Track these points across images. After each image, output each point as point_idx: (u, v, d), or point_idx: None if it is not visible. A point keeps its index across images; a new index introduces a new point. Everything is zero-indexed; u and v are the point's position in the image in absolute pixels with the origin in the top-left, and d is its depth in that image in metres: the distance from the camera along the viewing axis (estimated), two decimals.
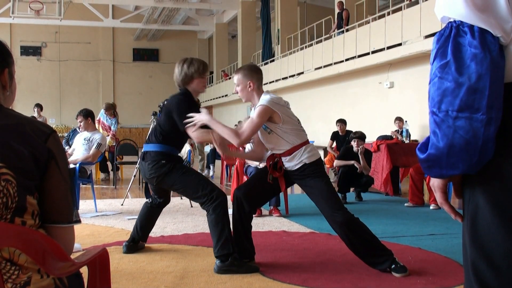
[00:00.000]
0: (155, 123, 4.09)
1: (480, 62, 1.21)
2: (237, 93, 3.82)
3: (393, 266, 3.61)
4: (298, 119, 3.84)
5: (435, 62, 1.28)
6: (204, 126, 3.74)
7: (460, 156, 1.24)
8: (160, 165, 3.85)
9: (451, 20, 1.27)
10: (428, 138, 1.31)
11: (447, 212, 1.40)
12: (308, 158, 3.71)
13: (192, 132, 3.75)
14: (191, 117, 3.72)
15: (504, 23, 1.21)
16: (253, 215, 6.14)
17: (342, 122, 10.85)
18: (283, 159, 3.78)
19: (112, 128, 10.57)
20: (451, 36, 1.25)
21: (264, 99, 3.66)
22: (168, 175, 3.85)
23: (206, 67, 4.04)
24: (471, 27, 1.23)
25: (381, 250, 3.67)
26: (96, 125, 9.35)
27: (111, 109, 10.70)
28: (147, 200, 4.41)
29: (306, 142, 3.78)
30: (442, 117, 1.24)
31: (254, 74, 3.77)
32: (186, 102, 3.86)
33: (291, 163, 3.76)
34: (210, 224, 3.77)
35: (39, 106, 12.98)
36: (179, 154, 4.09)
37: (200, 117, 3.70)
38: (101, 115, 10.72)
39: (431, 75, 1.29)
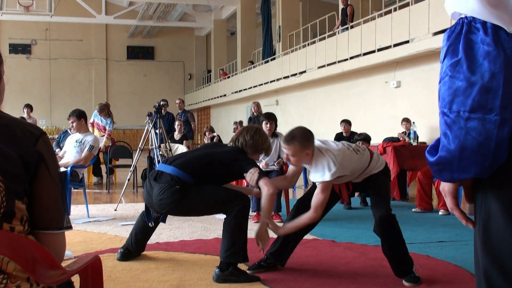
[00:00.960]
0: (194, 153, 4.11)
1: (493, 60, 1.20)
2: (289, 161, 3.76)
3: (406, 275, 3.62)
4: (354, 149, 3.79)
5: (446, 60, 1.27)
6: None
7: (473, 159, 1.24)
8: (174, 190, 3.71)
9: (462, 16, 1.26)
10: (437, 140, 1.31)
11: (458, 218, 1.40)
12: (375, 169, 3.84)
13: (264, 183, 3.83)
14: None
15: None
16: (253, 221, 6.15)
17: (346, 122, 10.84)
18: (355, 180, 3.93)
19: (107, 127, 10.58)
20: (463, 32, 1.25)
21: (327, 168, 3.58)
22: (182, 202, 3.74)
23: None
24: (484, 23, 1.22)
25: (406, 257, 3.73)
26: (90, 128, 9.38)
27: (105, 110, 10.73)
28: (148, 221, 4.22)
29: (369, 160, 3.82)
30: (454, 118, 1.24)
31: (310, 141, 3.64)
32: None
33: (358, 180, 3.91)
34: (227, 226, 3.75)
35: (29, 107, 12.98)
36: None
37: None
38: (94, 117, 10.73)
39: (441, 74, 1.29)
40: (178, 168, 3.80)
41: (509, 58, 1.20)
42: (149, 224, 4.21)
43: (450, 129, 1.25)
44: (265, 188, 3.73)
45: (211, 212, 4.00)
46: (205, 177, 3.84)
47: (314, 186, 3.91)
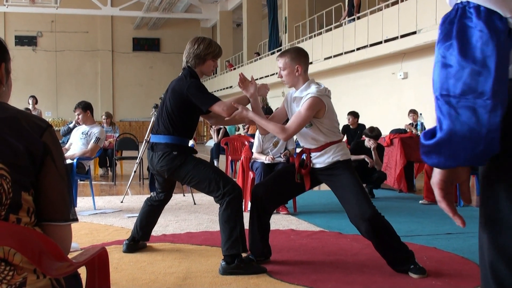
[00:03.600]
0: (158, 112, 4.06)
1: (486, 43, 1.18)
2: (281, 77, 3.82)
3: (411, 266, 3.60)
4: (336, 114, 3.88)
5: (439, 44, 1.26)
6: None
7: (462, 145, 1.21)
8: (172, 157, 3.83)
9: (458, 1, 1.25)
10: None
11: (445, 210, 1.36)
12: (341, 155, 3.76)
13: (220, 108, 3.78)
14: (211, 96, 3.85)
15: None
16: None
17: (353, 114, 10.80)
18: (313, 154, 3.81)
19: (115, 135, 11.01)
20: (457, 17, 1.24)
21: (314, 89, 3.68)
22: (181, 168, 3.84)
23: (221, 52, 4.12)
24: (478, 7, 1.21)
25: (404, 250, 3.67)
26: None
27: (109, 118, 11.41)
28: (151, 194, 4.39)
29: (340, 139, 3.84)
30: (444, 102, 1.22)
31: (302, 57, 3.78)
32: (201, 84, 3.90)
33: (320, 159, 3.78)
34: (221, 219, 3.75)
35: (34, 98, 13.05)
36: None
37: (243, 113, 3.76)
38: None
39: (435, 58, 1.27)
40: (163, 134, 3.90)
41: (502, 42, 1.18)
42: (151, 193, 4.36)
43: (441, 113, 1.23)
44: (223, 113, 3.81)
45: (204, 186, 3.85)
46: (182, 127, 3.91)
47: (278, 171, 3.95)
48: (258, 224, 3.89)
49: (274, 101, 19.31)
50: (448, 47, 1.23)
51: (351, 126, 10.77)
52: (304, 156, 3.87)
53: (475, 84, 1.18)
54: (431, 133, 1.28)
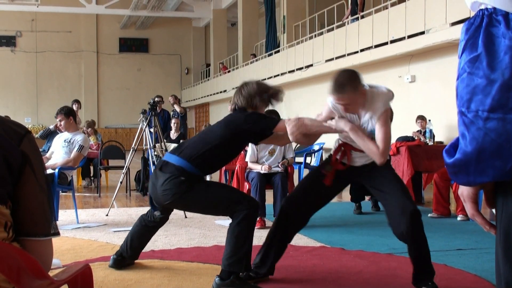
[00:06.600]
0: (194, 138, 4.06)
1: None
2: (347, 111, 3.68)
3: (429, 283, 3.63)
4: None
5: (464, 55, 1.26)
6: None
7: (491, 162, 1.23)
8: (179, 182, 3.74)
9: (483, 7, 1.26)
10: (457, 139, 1.30)
11: (480, 224, 1.39)
12: None
13: (284, 123, 3.76)
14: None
15: None
16: (256, 227, 6.14)
17: None
18: (355, 153, 3.82)
19: (98, 141, 11.06)
20: (483, 25, 1.24)
21: (383, 98, 3.69)
22: (187, 194, 3.77)
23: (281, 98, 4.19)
24: (506, 15, 1.21)
25: (431, 264, 3.71)
26: None
27: (92, 126, 11.40)
28: (153, 211, 4.24)
29: None
30: (472, 118, 1.23)
31: (358, 79, 3.63)
32: (260, 113, 3.98)
33: (363, 159, 3.82)
34: (231, 232, 3.74)
35: (79, 103, 12.34)
36: None
37: (340, 125, 3.69)
38: None
39: (459, 70, 1.28)
40: (182, 158, 3.81)
41: None
42: (155, 212, 4.22)
43: (468, 129, 1.24)
44: (290, 124, 3.75)
45: (216, 211, 3.94)
46: (207, 161, 3.85)
47: (305, 181, 3.98)
48: (281, 241, 3.92)
49: (271, 107, 19.31)
50: (475, 59, 1.24)
51: None
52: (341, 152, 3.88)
53: (505, 99, 1.19)
54: (454, 148, 1.30)
